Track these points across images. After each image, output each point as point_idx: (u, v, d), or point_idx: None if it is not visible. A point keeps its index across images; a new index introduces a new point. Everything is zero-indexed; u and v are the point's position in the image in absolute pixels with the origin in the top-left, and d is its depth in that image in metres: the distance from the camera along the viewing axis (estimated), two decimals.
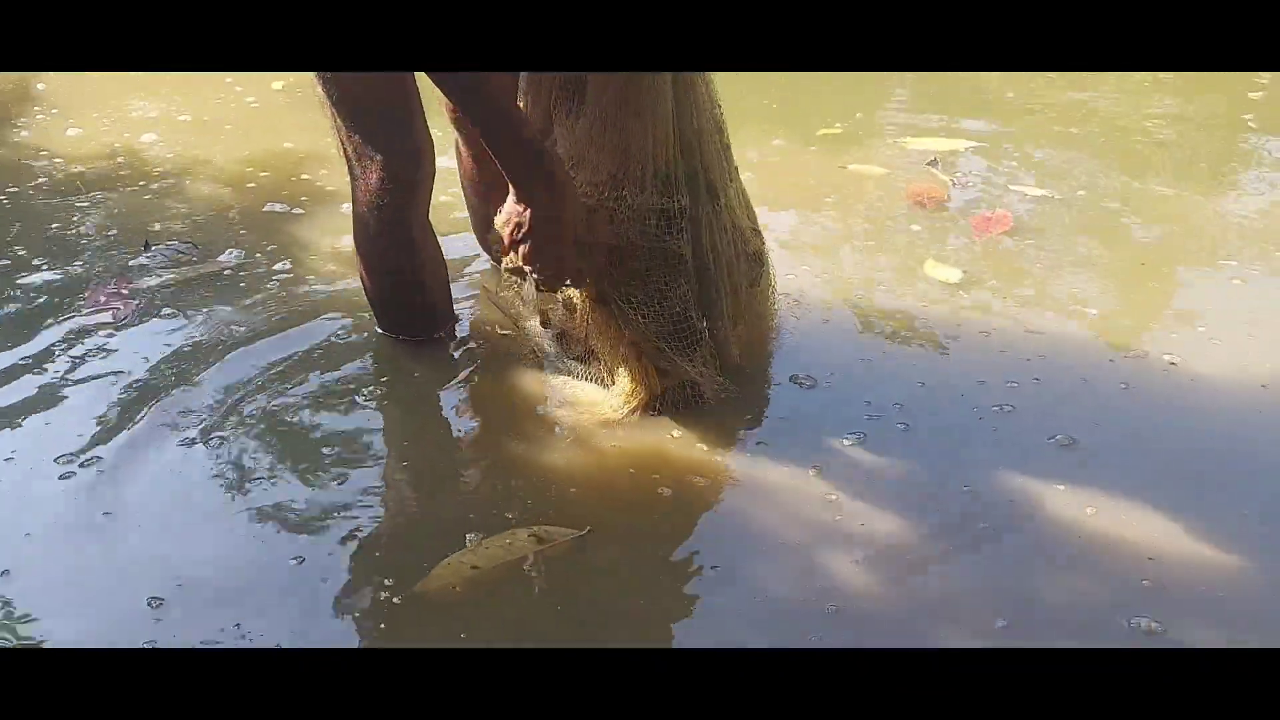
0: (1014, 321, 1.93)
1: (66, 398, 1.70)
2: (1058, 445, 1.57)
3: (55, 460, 1.54)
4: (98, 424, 1.62)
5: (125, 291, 2.05)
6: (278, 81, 3.25)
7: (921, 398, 1.68)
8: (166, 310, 1.98)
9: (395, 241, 1.73)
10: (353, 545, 1.39)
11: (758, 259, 1.77)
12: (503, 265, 1.63)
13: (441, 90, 1.47)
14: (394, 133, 1.64)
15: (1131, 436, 1.60)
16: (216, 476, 1.52)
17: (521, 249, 1.51)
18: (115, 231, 2.32)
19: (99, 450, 1.56)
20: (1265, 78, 3.28)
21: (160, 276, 2.11)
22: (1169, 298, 2.04)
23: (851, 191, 2.60)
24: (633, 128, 1.51)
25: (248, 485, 1.50)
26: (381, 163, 1.64)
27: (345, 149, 1.67)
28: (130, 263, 2.16)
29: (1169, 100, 3.15)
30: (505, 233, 1.52)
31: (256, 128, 2.94)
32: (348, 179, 1.72)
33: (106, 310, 1.98)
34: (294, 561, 1.37)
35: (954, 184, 2.60)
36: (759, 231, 1.79)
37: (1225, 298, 2.03)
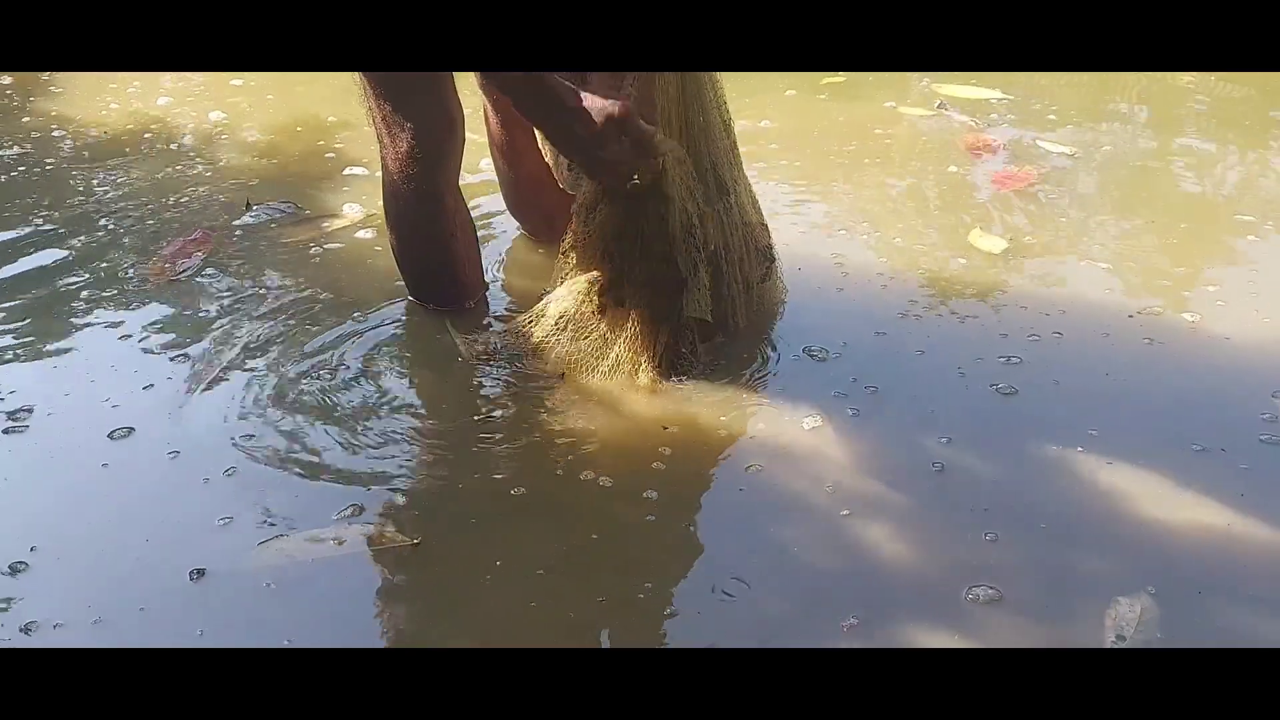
0: (1031, 281, 1.95)
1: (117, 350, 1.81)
2: (1071, 417, 1.58)
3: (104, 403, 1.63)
4: (132, 382, 1.70)
5: (193, 247, 2.12)
6: None
7: (931, 369, 1.71)
8: (231, 267, 2.06)
9: (426, 210, 1.76)
10: (364, 515, 1.43)
11: (767, 254, 1.81)
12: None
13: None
14: (425, 100, 1.66)
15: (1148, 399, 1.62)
16: (242, 438, 1.57)
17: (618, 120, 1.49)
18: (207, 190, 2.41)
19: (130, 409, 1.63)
20: None
21: (254, 236, 2.18)
22: (1192, 257, 2.05)
23: (888, 142, 2.63)
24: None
25: (275, 449, 1.55)
26: (413, 130, 1.66)
27: (375, 117, 1.70)
28: (234, 222, 2.24)
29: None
30: (600, 119, 1.49)
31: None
32: (378, 147, 1.75)
33: (175, 260, 2.06)
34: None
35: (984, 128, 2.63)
36: (767, 226, 1.83)
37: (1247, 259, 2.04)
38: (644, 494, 1.45)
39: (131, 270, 2.06)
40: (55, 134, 2.72)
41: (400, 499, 1.46)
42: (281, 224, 2.23)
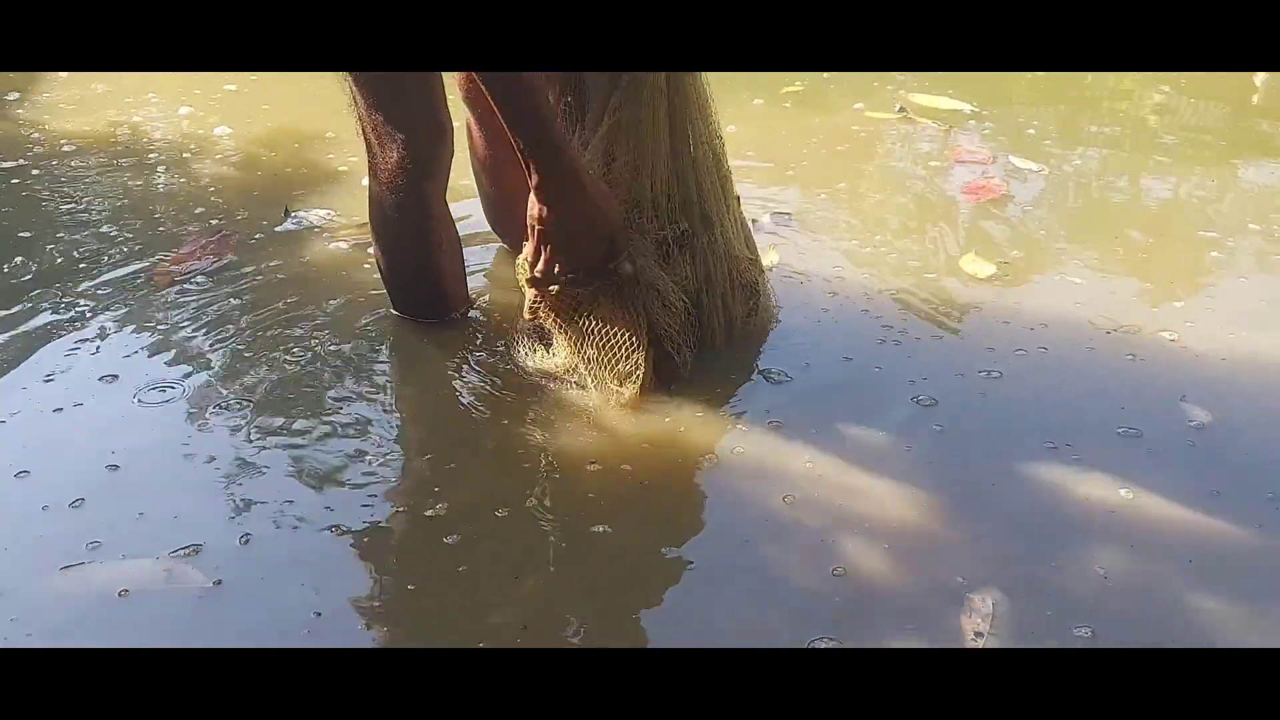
0: (1002, 295, 1.98)
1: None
2: (1056, 430, 1.61)
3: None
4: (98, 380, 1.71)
5: (207, 251, 2.14)
6: None
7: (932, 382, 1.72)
8: (233, 273, 2.06)
9: (414, 222, 1.75)
10: (338, 533, 1.42)
11: (754, 289, 1.81)
12: (516, 263, 1.68)
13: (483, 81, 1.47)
14: (417, 111, 1.66)
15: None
16: (218, 444, 1.57)
17: (543, 251, 1.56)
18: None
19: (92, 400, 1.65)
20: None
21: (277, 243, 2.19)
22: (1161, 272, 2.10)
23: (864, 152, 2.67)
24: (623, 159, 1.59)
25: (251, 459, 1.54)
26: (404, 141, 1.66)
27: (365, 128, 1.69)
28: (276, 229, 2.25)
29: (1176, 76, 3.20)
30: (529, 231, 1.56)
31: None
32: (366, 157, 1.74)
33: (184, 262, 2.08)
34: (275, 527, 1.42)
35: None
36: (757, 261, 1.83)
37: (1211, 273, 2.10)
38: (614, 512, 1.46)
39: (140, 271, 2.07)
40: (66, 148, 2.71)
41: (355, 517, 1.45)
42: (309, 231, 2.24)
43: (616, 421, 1.62)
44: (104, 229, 2.26)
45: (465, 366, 1.77)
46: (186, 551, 1.37)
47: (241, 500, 1.47)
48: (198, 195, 2.43)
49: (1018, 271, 2.07)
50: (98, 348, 1.81)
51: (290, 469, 1.53)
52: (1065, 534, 1.41)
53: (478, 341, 1.83)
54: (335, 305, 1.94)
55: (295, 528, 1.42)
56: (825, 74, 3.22)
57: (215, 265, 2.08)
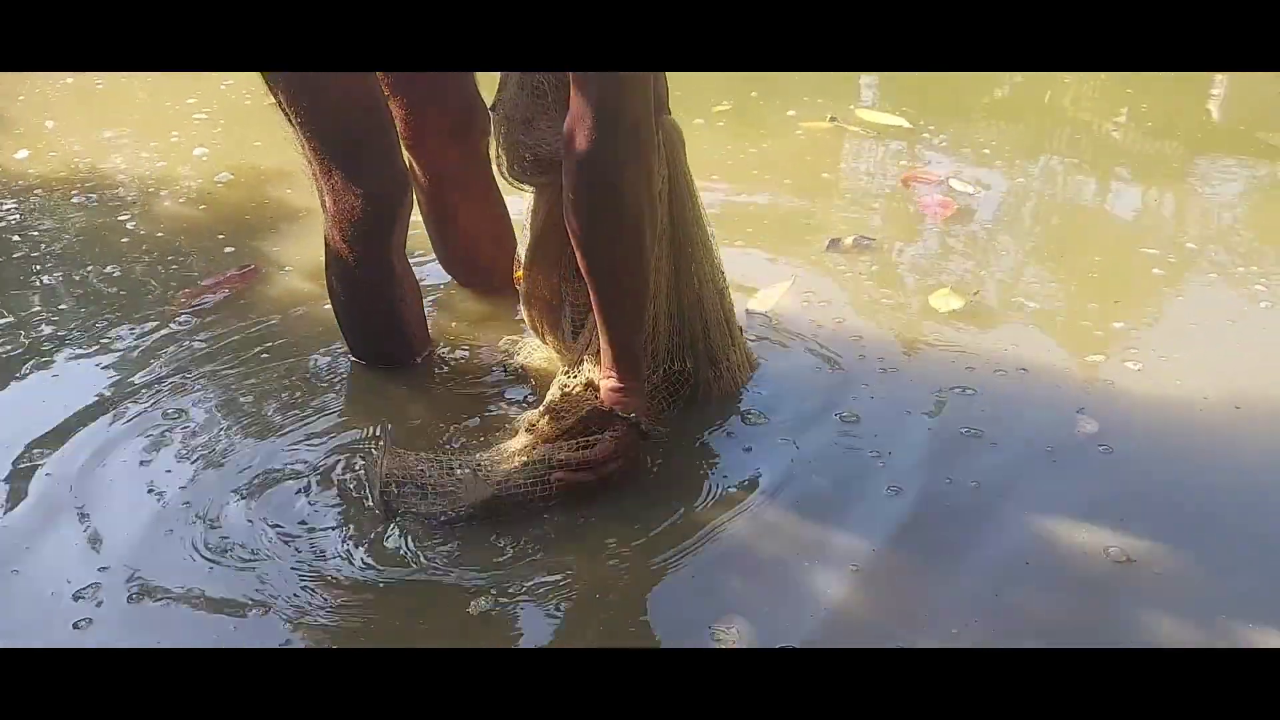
0: (962, 327, 1.93)
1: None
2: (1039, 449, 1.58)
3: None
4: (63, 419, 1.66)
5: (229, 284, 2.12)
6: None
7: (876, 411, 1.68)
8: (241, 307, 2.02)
9: (375, 278, 1.70)
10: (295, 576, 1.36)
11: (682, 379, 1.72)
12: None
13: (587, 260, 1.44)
14: (377, 165, 1.59)
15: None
16: (174, 499, 1.49)
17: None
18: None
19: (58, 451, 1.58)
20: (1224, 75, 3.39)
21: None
22: (1116, 295, 2.07)
23: (815, 169, 2.64)
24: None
25: (209, 517, 1.46)
26: (364, 195, 1.59)
27: (323, 184, 1.61)
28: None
29: (1130, 91, 3.26)
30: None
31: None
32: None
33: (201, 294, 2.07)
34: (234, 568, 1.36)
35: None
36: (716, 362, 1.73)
37: (1161, 296, 2.09)
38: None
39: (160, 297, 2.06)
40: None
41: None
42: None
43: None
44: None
45: (428, 410, 1.70)
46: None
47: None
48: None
49: (983, 307, 2.01)
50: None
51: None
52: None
53: (439, 385, 1.78)
54: (299, 347, 1.87)
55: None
56: (753, 92, 3.20)
57: (224, 297, 2.05)
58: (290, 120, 1.56)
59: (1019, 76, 3.41)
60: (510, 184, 1.62)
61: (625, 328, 1.47)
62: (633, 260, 1.43)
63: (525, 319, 1.73)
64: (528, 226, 1.64)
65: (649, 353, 1.59)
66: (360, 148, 1.58)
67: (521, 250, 1.68)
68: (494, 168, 1.62)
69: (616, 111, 1.33)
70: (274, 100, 1.56)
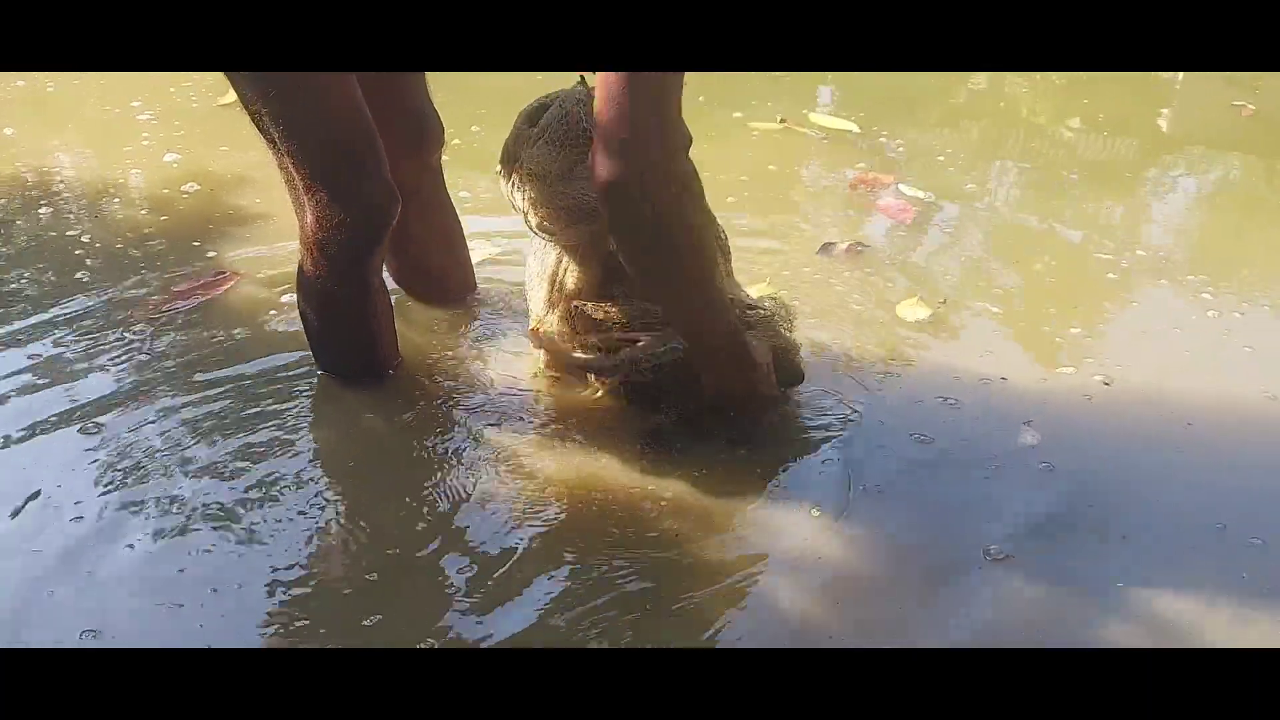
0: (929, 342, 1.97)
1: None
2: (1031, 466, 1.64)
3: None
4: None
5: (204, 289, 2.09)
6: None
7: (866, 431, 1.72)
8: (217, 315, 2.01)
9: (355, 297, 1.69)
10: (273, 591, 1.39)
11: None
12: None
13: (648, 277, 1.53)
14: (365, 183, 1.56)
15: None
16: (143, 518, 1.50)
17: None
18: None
19: None
20: (1180, 77, 3.45)
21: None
22: (1075, 301, 2.13)
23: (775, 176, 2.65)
24: None
25: (182, 533, 1.48)
26: (357, 208, 1.57)
27: (305, 199, 1.57)
28: None
29: (1084, 100, 3.29)
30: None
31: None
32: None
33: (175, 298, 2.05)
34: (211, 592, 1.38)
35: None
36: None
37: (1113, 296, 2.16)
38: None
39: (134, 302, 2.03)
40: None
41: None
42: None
43: (549, 471, 1.62)
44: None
45: (398, 422, 1.72)
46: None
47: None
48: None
49: (950, 313, 2.05)
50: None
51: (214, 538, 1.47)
52: None
53: (411, 397, 1.78)
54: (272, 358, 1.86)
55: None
56: (700, 96, 3.19)
57: (198, 303, 2.03)
58: (272, 135, 1.51)
59: (980, 80, 3.45)
60: (543, 239, 1.67)
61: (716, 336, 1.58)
62: (704, 278, 1.51)
63: (545, 366, 1.78)
64: (543, 278, 1.69)
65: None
66: (356, 159, 1.54)
67: (535, 304, 1.73)
68: (523, 221, 1.66)
69: (644, 142, 1.36)
70: (252, 117, 1.52)
